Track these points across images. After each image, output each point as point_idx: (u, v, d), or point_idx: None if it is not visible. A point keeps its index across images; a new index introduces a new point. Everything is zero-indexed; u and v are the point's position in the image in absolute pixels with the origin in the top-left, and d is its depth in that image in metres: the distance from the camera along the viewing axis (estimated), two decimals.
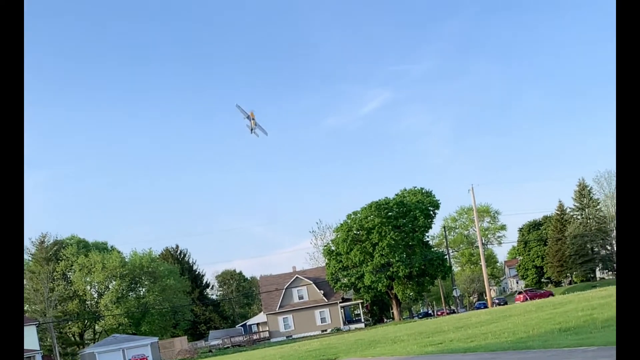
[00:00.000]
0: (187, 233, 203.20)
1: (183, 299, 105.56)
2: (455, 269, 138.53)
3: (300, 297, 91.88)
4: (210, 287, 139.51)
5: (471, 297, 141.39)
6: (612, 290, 41.12)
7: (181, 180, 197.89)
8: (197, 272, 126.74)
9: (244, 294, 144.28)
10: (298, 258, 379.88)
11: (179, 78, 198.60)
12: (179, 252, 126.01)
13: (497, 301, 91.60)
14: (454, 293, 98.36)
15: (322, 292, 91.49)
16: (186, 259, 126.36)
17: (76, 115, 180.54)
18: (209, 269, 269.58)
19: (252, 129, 56.68)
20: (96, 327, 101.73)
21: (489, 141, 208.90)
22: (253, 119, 56.80)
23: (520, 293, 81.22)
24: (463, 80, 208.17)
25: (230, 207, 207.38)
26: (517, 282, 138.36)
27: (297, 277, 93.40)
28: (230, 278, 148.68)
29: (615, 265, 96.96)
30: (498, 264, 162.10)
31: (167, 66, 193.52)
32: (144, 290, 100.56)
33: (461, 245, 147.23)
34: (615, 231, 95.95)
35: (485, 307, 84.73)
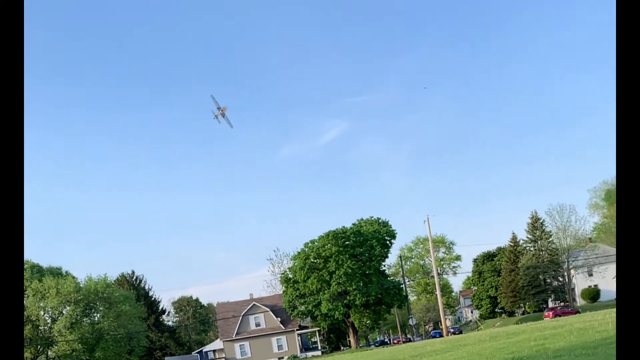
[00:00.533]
0: (143, 259, 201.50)
1: (138, 325, 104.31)
2: (412, 298, 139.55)
3: (257, 325, 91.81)
4: (166, 314, 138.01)
5: (427, 326, 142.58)
6: (563, 321, 42.23)
7: (137, 205, 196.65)
8: (153, 298, 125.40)
9: (200, 320, 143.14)
10: (255, 285, 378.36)
11: (133, 101, 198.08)
12: (134, 277, 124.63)
13: (452, 330, 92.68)
14: (410, 322, 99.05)
15: (279, 319, 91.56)
16: (142, 285, 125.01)
17: (28, 135, 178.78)
18: (165, 295, 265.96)
19: (216, 116, 57.45)
20: (49, 352, 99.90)
21: (444, 173, 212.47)
22: (223, 113, 57.66)
23: (550, 310, 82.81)
24: (420, 113, 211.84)
25: (187, 234, 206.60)
26: (472, 312, 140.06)
27: (254, 304, 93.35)
28: (186, 304, 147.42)
29: (566, 296, 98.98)
30: (453, 294, 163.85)
31: (125, 89, 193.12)
32: (98, 316, 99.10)
33: (417, 275, 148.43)
34: (563, 263, 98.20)
35: (441, 335, 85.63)
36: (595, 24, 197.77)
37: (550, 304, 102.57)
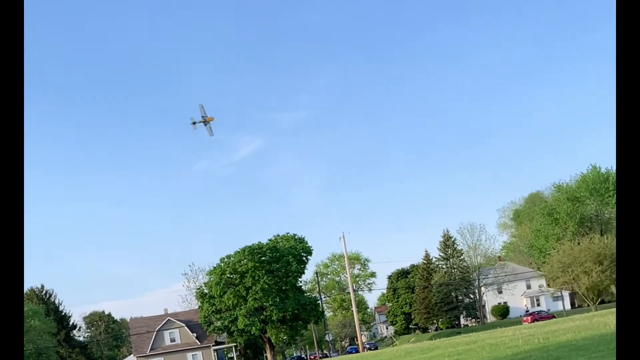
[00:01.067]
0: (52, 273, 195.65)
1: (48, 340, 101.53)
2: (328, 313, 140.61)
3: (172, 340, 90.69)
4: (77, 329, 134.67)
5: (343, 342, 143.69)
6: (475, 336, 43.63)
7: (47, 217, 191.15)
8: (63, 313, 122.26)
9: (113, 335, 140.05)
10: (170, 300, 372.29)
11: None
12: (44, 292, 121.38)
13: (368, 346, 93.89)
14: (327, 337, 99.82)
15: (195, 335, 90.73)
16: (52, 299, 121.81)
17: None
18: (76, 310, 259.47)
19: (194, 122, 57.32)
20: None
21: (359, 190, 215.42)
22: (207, 122, 57.56)
23: (528, 315, 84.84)
24: (334, 130, 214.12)
25: (99, 248, 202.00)
26: (387, 328, 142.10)
27: (169, 319, 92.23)
28: (98, 319, 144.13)
29: (477, 312, 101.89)
30: (369, 310, 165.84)
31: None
32: None
33: (333, 291, 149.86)
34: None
35: (357, 351, 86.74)
36: (508, 43, 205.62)
37: (462, 321, 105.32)
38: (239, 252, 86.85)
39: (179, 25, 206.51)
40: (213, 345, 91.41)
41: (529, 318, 79.03)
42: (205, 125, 57.46)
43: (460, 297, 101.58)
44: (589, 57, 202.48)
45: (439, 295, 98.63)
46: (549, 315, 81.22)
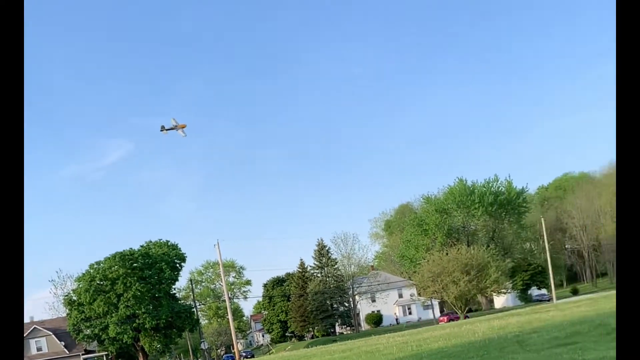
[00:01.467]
0: None
1: None
2: (203, 321, 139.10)
3: (39, 349, 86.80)
4: None
5: (219, 350, 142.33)
6: (351, 344, 44.45)
7: None
8: None
9: None
10: (36, 308, 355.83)
11: None
12: None
13: (244, 354, 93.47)
14: (202, 345, 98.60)
15: (63, 343, 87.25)
16: None
17: None
18: None
19: (163, 128, 55.92)
20: None
21: (233, 198, 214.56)
22: (180, 128, 56.20)
23: (444, 315, 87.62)
24: (207, 137, 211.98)
25: None
26: (263, 336, 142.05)
27: (35, 327, 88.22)
28: None
29: (352, 320, 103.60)
30: (244, 318, 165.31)
31: None
32: None
33: (208, 299, 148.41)
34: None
35: (233, 359, 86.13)
36: (379, 61, 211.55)
37: (338, 329, 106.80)
38: (109, 258, 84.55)
39: (43, 32, 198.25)
40: (83, 354, 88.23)
41: (445, 318, 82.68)
42: (177, 130, 56.84)
43: (335, 305, 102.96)
44: (453, 68, 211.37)
45: (314, 303, 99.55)
46: (457, 316, 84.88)
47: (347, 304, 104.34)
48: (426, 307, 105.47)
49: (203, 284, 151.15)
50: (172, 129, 55.31)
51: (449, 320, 77.60)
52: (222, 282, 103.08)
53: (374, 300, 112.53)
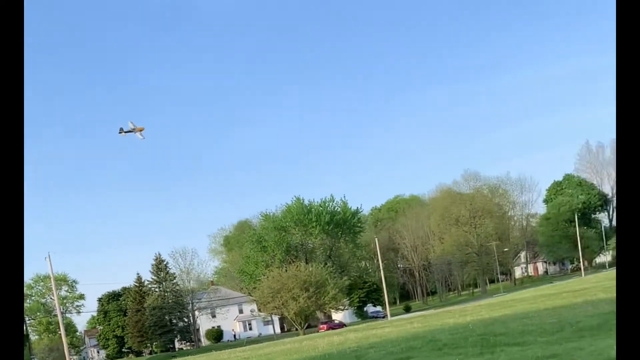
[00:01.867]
0: None
1: None
2: (33, 337, 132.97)
3: None
4: None
5: None
6: (191, 359, 45.18)
7: None
8: None
9: None
10: None
11: None
12: None
13: None
14: None
15: None
16: None
17: None
18: None
19: (122, 131, 53.07)
20: None
21: (65, 211, 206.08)
22: (138, 131, 53.24)
23: (323, 323, 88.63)
24: (40, 146, 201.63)
25: None
26: (98, 352, 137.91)
27: None
28: None
29: (191, 336, 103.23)
30: (78, 333, 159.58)
31: None
32: None
33: (38, 314, 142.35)
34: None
35: None
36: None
37: (177, 344, 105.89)
38: None
39: None
40: None
41: (325, 326, 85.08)
42: (135, 133, 55.19)
43: (174, 321, 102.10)
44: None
45: (152, 318, 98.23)
46: (341, 324, 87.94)
47: (186, 320, 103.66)
48: (267, 323, 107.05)
49: (33, 297, 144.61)
50: (130, 131, 54.69)
51: (329, 328, 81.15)
52: (53, 296, 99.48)
53: (214, 316, 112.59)
